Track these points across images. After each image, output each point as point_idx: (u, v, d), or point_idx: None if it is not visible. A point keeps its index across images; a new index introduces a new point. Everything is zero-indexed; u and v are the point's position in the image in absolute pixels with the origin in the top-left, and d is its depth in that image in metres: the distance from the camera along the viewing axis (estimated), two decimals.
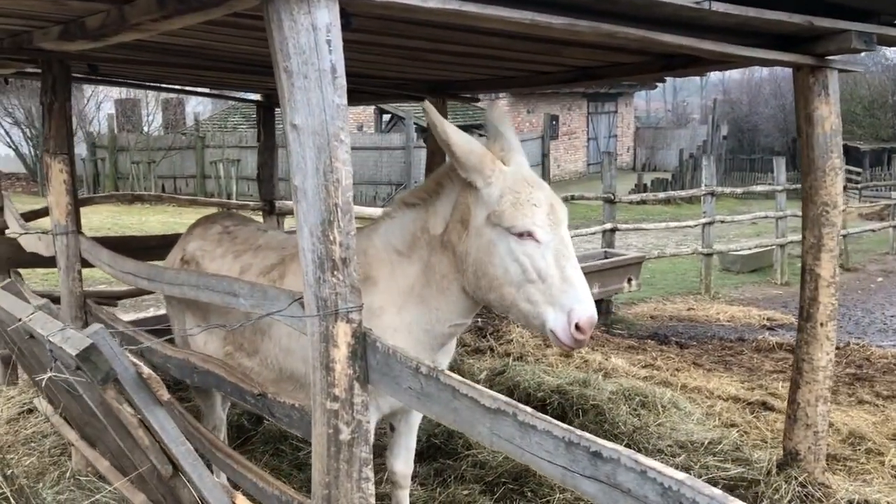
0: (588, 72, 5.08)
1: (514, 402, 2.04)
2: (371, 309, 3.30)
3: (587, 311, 2.83)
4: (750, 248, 15.03)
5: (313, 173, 2.38)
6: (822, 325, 4.30)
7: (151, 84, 6.96)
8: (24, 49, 4.11)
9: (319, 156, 2.37)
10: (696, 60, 4.28)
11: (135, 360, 2.47)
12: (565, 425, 1.89)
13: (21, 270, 6.33)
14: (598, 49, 4.14)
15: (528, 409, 1.99)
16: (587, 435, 1.83)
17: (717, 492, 1.55)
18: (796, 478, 4.27)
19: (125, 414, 2.60)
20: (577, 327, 2.81)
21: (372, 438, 3.61)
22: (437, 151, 6.37)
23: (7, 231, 6.13)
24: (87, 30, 3.33)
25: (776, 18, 3.42)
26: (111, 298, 6.84)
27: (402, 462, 3.98)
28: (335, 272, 2.42)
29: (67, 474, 4.65)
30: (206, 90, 8.00)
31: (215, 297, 3.20)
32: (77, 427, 4.36)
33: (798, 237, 4.86)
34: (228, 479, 3.48)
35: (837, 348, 8.60)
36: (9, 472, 3.77)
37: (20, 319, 2.80)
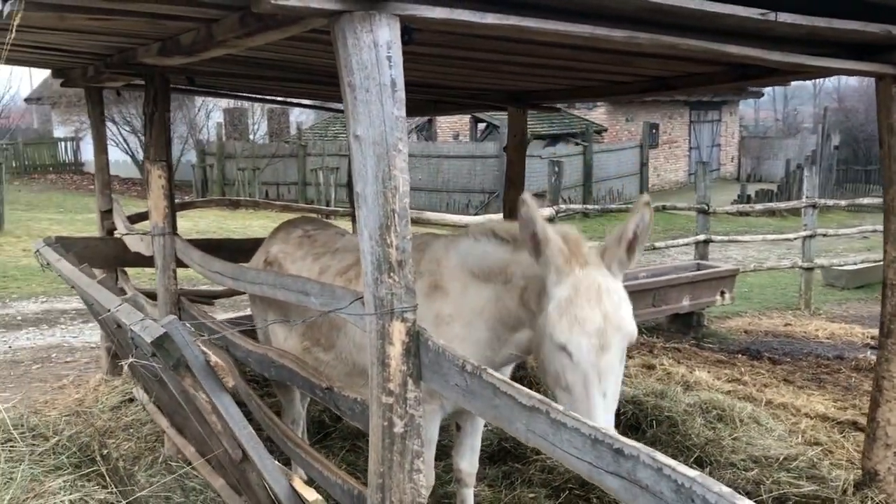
0: (663, 81, 5.06)
1: (547, 400, 2.13)
2: (441, 316, 3.45)
3: None
4: (856, 263, 14.33)
5: (373, 181, 2.55)
6: None
7: (246, 95, 7.34)
8: (129, 64, 4.48)
9: (379, 164, 2.54)
10: (773, 70, 4.21)
11: (204, 348, 2.69)
12: (593, 423, 1.97)
13: (131, 270, 6.82)
14: (669, 59, 4.14)
15: (560, 407, 2.07)
16: (611, 433, 1.90)
17: (725, 489, 1.60)
18: (873, 499, 4.15)
19: (200, 400, 2.83)
20: None
21: (436, 435, 3.78)
22: (517, 161, 6.48)
23: (115, 232, 6.62)
24: (181, 46, 3.62)
25: (850, 28, 3.35)
26: (208, 298, 7.25)
27: (467, 461, 4.10)
28: (391, 274, 2.57)
29: (160, 459, 5.00)
30: (306, 101, 8.37)
31: (290, 296, 3.42)
32: (167, 415, 4.69)
33: None
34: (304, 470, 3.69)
35: None
36: (105, 451, 4.11)
37: (109, 310, 3.10)
